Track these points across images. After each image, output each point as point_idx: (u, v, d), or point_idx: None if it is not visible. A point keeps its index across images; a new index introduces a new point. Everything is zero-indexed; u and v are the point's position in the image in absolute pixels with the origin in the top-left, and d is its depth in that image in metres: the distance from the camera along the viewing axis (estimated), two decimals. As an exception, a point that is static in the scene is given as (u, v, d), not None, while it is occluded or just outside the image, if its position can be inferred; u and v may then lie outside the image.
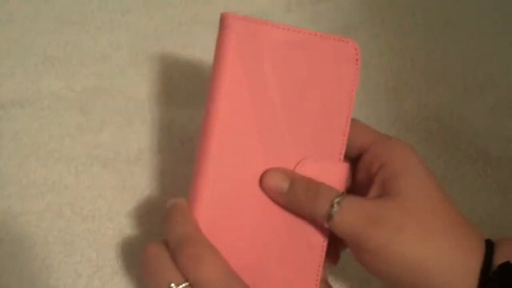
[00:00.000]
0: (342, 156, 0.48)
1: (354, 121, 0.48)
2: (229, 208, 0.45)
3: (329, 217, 0.43)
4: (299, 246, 0.47)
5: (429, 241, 0.42)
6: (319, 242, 0.48)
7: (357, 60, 0.47)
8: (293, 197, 0.45)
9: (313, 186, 0.45)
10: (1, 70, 0.63)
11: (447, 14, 0.71)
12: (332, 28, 0.69)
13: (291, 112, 0.46)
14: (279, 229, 0.46)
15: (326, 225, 0.44)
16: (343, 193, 0.45)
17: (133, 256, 0.55)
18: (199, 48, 0.67)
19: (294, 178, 0.46)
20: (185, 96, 0.63)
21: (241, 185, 0.45)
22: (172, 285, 0.42)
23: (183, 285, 0.42)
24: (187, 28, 0.68)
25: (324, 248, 0.48)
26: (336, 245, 0.50)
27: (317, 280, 0.48)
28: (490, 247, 0.43)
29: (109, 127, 0.61)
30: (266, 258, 0.46)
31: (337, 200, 0.43)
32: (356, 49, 0.47)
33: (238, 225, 0.45)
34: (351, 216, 0.43)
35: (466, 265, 0.42)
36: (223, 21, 0.44)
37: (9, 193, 0.57)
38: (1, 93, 0.61)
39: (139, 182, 0.59)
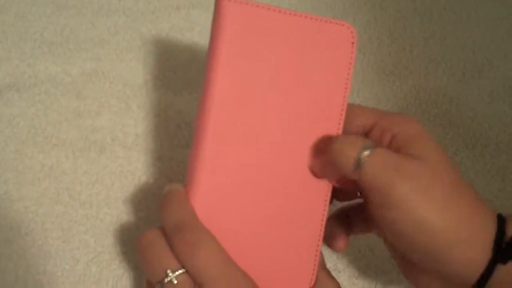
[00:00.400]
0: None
1: (351, 105, 0.48)
2: (227, 194, 0.45)
3: (359, 162, 0.43)
4: (297, 232, 0.47)
5: (451, 208, 0.42)
6: (317, 227, 0.48)
7: (353, 43, 0.47)
8: (328, 151, 0.45)
9: (345, 137, 0.45)
10: (-3, 54, 0.63)
11: (446, -2, 0.71)
12: (331, 13, 0.69)
13: (288, 95, 0.46)
14: (277, 215, 0.46)
15: (354, 175, 0.43)
16: (374, 142, 0.44)
17: (131, 242, 0.55)
18: (197, 33, 0.67)
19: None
20: (182, 81, 0.63)
21: (238, 170, 0.45)
22: (169, 271, 0.42)
23: (180, 271, 0.42)
24: (185, 12, 0.67)
25: (322, 233, 0.48)
26: (346, 230, 0.51)
27: (314, 265, 0.48)
28: (501, 220, 0.43)
29: (106, 112, 0.60)
30: (263, 244, 0.46)
31: (368, 145, 0.43)
32: (352, 32, 0.47)
33: (235, 211, 0.45)
34: (380, 163, 0.42)
35: (481, 236, 0.42)
36: (217, 4, 0.44)
37: (6, 179, 0.56)
38: (-2, 77, 0.61)
39: (137, 167, 0.59)
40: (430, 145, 0.44)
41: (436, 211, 0.42)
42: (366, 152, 0.43)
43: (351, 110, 0.48)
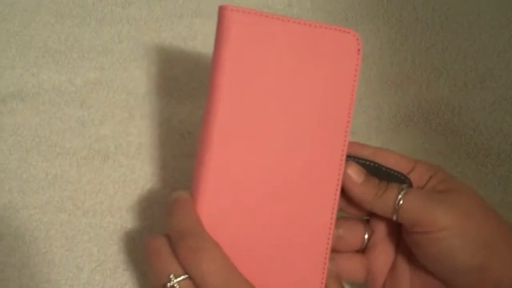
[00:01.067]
0: (345, 148, 0.47)
1: (394, 153, 0.51)
2: (233, 202, 0.45)
3: (398, 203, 0.46)
4: (304, 240, 0.47)
5: (490, 224, 0.46)
6: (325, 235, 0.47)
7: (358, 50, 0.47)
8: (365, 188, 0.48)
9: (383, 183, 0.48)
10: (2, 63, 0.63)
11: (447, 8, 0.71)
12: (333, 23, 0.69)
13: (293, 103, 0.45)
14: (284, 223, 0.46)
15: (393, 216, 0.47)
16: (407, 185, 0.48)
17: (134, 250, 0.55)
18: (199, 41, 0.67)
19: (368, 176, 0.49)
20: (185, 90, 0.63)
21: (244, 178, 0.45)
22: (172, 276, 0.42)
23: (183, 277, 0.42)
24: (188, 21, 0.68)
25: (330, 241, 0.47)
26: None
27: (323, 273, 0.47)
28: None
29: (110, 121, 0.61)
30: (270, 253, 0.46)
31: (404, 189, 0.47)
32: (357, 39, 0.47)
33: (241, 219, 0.45)
34: (417, 198, 0.46)
35: None
36: (221, 13, 0.44)
37: (10, 188, 0.57)
38: (2, 86, 0.61)
39: (140, 176, 0.59)
40: (460, 182, 0.48)
41: (478, 225, 0.45)
42: (402, 193, 0.47)
43: (394, 156, 0.51)
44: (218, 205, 0.44)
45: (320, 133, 0.47)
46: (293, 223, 0.46)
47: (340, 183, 0.48)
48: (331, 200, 0.47)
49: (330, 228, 0.48)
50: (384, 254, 0.51)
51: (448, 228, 0.44)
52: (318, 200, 0.47)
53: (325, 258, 0.47)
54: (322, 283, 0.48)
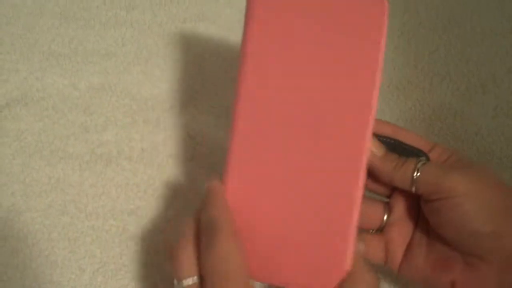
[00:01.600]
0: (374, 110, 0.45)
1: (415, 134, 0.53)
2: (257, 181, 0.45)
3: (416, 173, 0.48)
4: (328, 231, 0.45)
5: (506, 193, 0.47)
6: (351, 226, 0.45)
7: (384, 12, 0.45)
8: (385, 160, 0.50)
9: (402, 157, 0.50)
10: (6, 66, 0.63)
11: (450, 13, 0.71)
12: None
13: (318, 77, 0.45)
14: (309, 200, 0.45)
15: (412, 188, 0.48)
16: (424, 158, 0.50)
17: (136, 252, 0.56)
18: (203, 46, 0.67)
19: (387, 151, 0.51)
20: (188, 94, 0.63)
21: (269, 166, 0.45)
22: (175, 281, 0.42)
23: (185, 281, 0.42)
24: (192, 26, 0.68)
25: (354, 233, 0.45)
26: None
27: (349, 250, 0.45)
28: None
29: (113, 126, 0.61)
30: (290, 244, 0.45)
31: (422, 160, 0.49)
32: (383, 1, 0.45)
33: (266, 195, 0.45)
34: (436, 168, 0.48)
35: None
36: None
37: (13, 191, 0.57)
38: (7, 90, 0.62)
39: (143, 179, 0.59)
40: (475, 162, 0.51)
41: (495, 193, 0.47)
42: (420, 164, 0.48)
43: (414, 136, 0.53)
44: (242, 184, 0.45)
45: (345, 105, 0.45)
46: (318, 199, 0.45)
47: (367, 150, 0.46)
48: (358, 175, 0.45)
49: (355, 221, 0.45)
50: (401, 232, 0.52)
51: (467, 194, 0.46)
52: (343, 175, 0.45)
53: (352, 235, 0.45)
54: (348, 259, 0.45)
